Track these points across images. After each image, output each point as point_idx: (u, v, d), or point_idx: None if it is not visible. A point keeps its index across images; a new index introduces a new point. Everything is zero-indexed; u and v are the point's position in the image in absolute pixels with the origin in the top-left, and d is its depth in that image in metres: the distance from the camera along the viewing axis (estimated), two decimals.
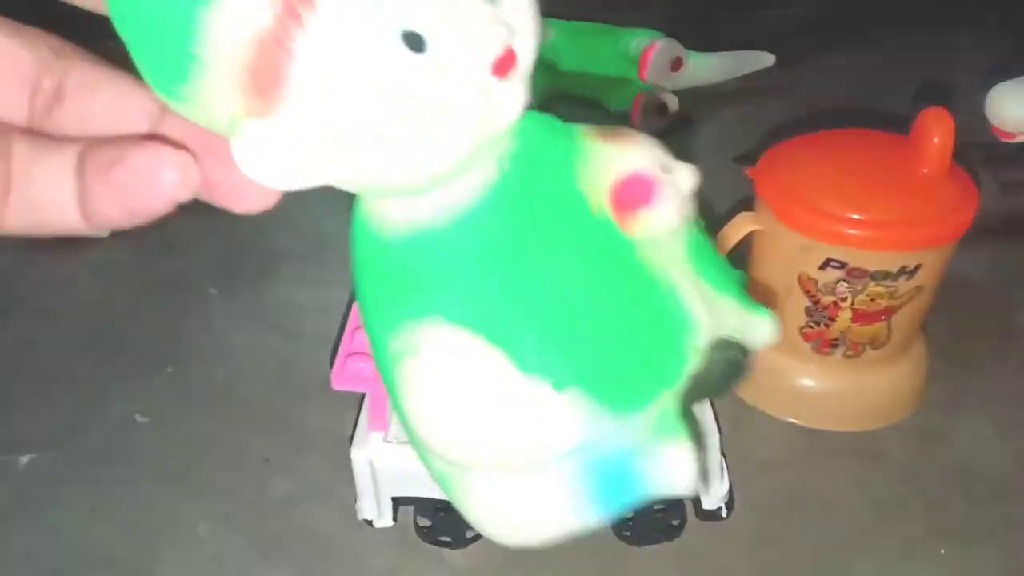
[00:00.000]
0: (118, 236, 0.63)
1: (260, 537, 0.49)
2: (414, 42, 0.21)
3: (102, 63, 0.23)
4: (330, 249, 0.72)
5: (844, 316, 0.51)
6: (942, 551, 0.48)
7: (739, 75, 0.93)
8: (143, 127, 0.23)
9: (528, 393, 0.26)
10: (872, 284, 0.49)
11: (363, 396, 0.47)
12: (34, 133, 0.22)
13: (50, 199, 0.21)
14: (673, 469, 0.29)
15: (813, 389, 0.55)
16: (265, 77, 0.20)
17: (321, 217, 0.77)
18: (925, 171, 0.49)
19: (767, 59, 0.94)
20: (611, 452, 0.29)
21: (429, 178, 0.23)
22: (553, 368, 0.26)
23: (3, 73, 0.22)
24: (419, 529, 0.48)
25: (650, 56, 0.85)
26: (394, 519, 0.47)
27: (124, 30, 0.20)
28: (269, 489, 0.52)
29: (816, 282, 0.50)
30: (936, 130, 0.48)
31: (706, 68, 0.91)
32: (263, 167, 0.21)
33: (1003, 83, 0.48)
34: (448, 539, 0.48)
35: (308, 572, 0.47)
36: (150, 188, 0.20)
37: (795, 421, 0.55)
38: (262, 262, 0.72)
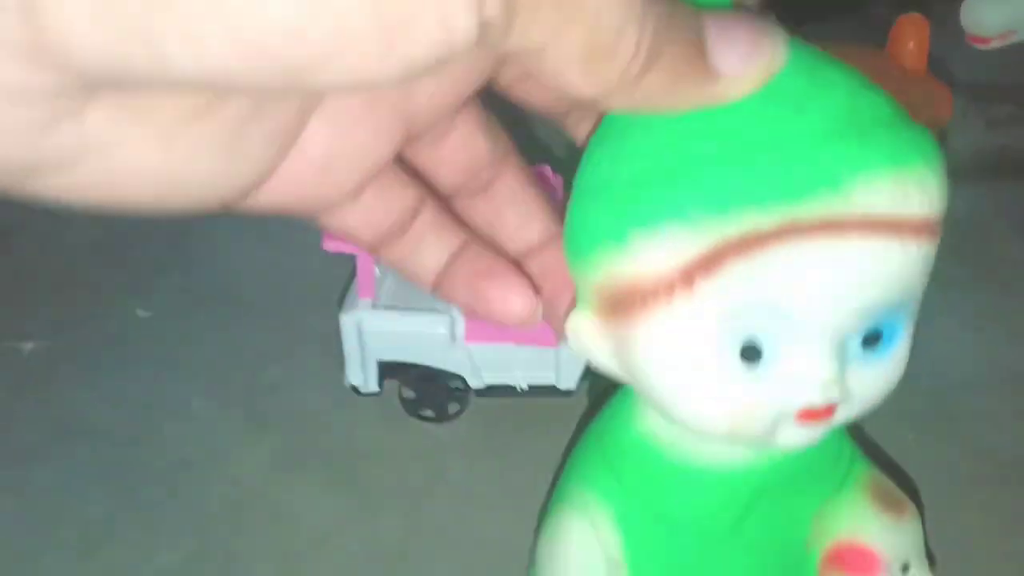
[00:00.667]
0: None
1: (250, 413, 0.51)
2: (750, 354, 0.23)
3: (527, 173, 0.26)
4: None
5: None
6: (910, 436, 0.49)
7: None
8: (521, 248, 0.26)
9: None
10: None
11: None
12: (445, 204, 0.25)
13: (421, 264, 0.25)
14: None
15: None
16: (620, 308, 0.24)
17: None
18: (901, 75, 0.51)
19: None
20: None
21: (716, 437, 0.26)
22: None
23: (463, 149, 0.24)
24: (404, 402, 0.49)
25: None
26: (379, 387, 0.49)
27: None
28: (262, 374, 0.54)
29: None
30: (912, 35, 0.50)
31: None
32: (576, 344, 0.26)
33: None
34: (431, 414, 0.49)
35: (295, 443, 0.49)
36: (496, 307, 0.24)
37: None
38: None
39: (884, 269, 0.23)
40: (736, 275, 0.22)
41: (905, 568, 0.29)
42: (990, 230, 0.68)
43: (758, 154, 0.22)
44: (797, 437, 0.25)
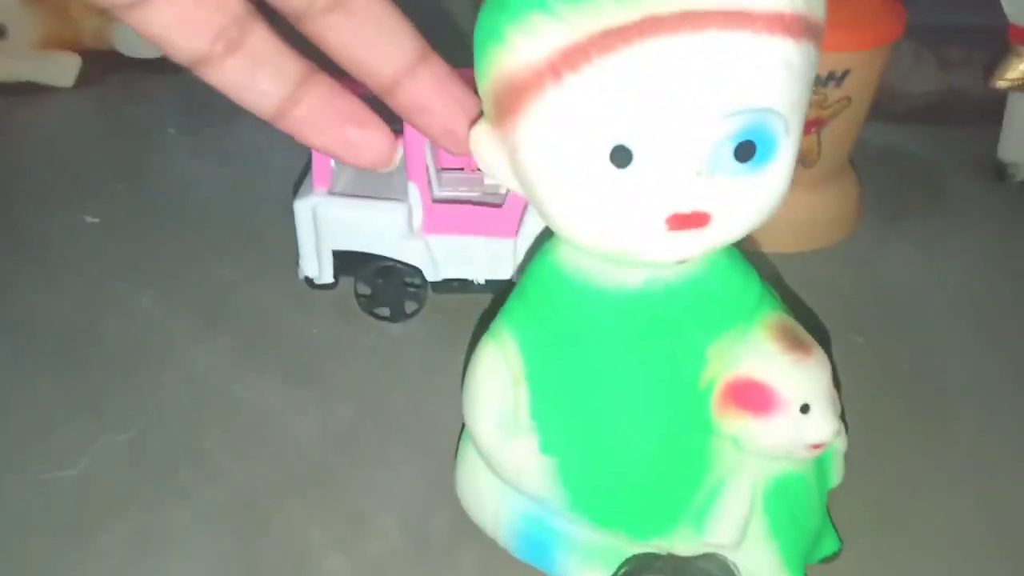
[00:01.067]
0: (82, 87, 0.64)
1: (203, 310, 0.50)
2: (620, 157, 0.24)
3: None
4: None
5: None
6: (859, 339, 0.50)
7: None
8: (390, 71, 0.26)
9: (523, 439, 0.31)
10: None
11: None
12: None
13: (258, 89, 0.24)
14: None
15: None
16: (504, 107, 0.25)
17: None
18: None
19: None
20: (553, 525, 0.34)
21: (591, 247, 0.27)
22: (557, 440, 0.31)
23: None
24: (359, 298, 0.49)
25: None
26: (334, 279, 0.49)
27: None
28: (215, 274, 0.53)
29: None
30: None
31: None
32: (478, 156, 0.27)
33: None
34: (386, 311, 0.49)
35: (249, 340, 0.48)
36: (359, 152, 0.25)
37: None
38: (221, 110, 0.73)
39: (743, 64, 0.24)
40: (602, 70, 0.23)
41: (804, 409, 0.30)
42: (942, 167, 0.69)
43: None
44: (672, 247, 0.26)
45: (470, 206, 0.46)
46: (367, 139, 0.25)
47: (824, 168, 0.56)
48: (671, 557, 0.33)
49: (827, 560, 0.36)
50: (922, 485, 0.41)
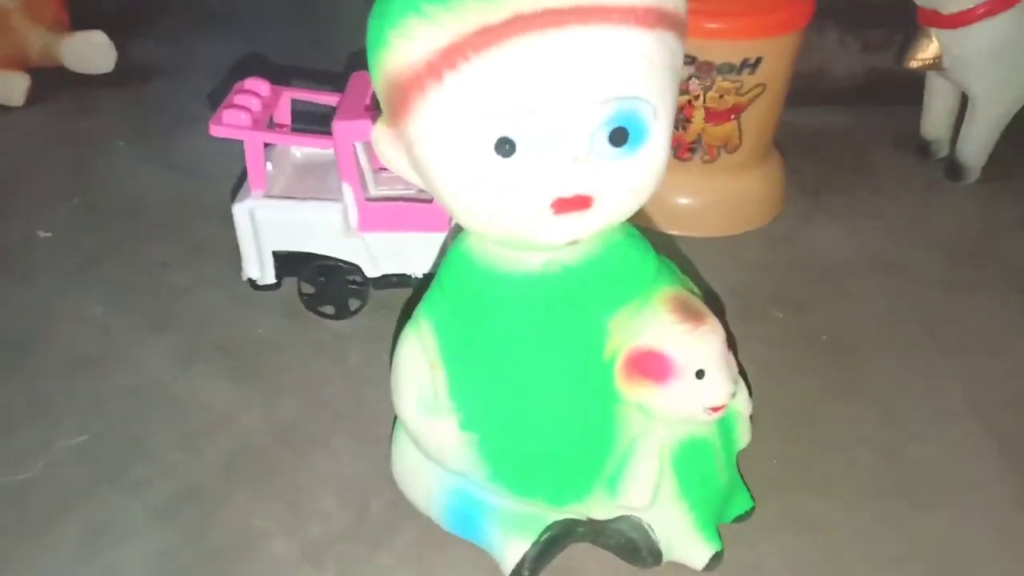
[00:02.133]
0: (32, 104, 0.65)
1: (151, 315, 0.52)
2: (503, 147, 0.27)
3: None
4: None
5: (698, 116, 0.56)
6: (779, 315, 0.53)
7: None
8: None
9: (444, 419, 0.34)
10: (719, 79, 0.54)
11: None
12: None
13: None
14: (499, 555, 0.36)
15: (674, 196, 0.59)
16: (395, 106, 0.28)
17: (226, 88, 0.80)
18: None
19: None
20: (479, 498, 0.36)
21: (487, 233, 0.30)
22: (474, 417, 0.33)
23: None
24: (303, 297, 0.51)
25: None
26: (277, 280, 0.50)
27: None
28: (162, 281, 0.55)
29: None
30: None
31: None
32: (380, 154, 0.30)
33: None
34: (331, 310, 0.51)
35: (196, 340, 0.50)
36: None
37: (655, 228, 0.59)
38: (169, 124, 0.75)
39: (605, 55, 0.26)
40: (479, 68, 0.26)
41: (700, 375, 0.32)
42: (867, 146, 0.72)
43: None
44: (559, 229, 0.29)
45: (402, 203, 0.48)
46: None
47: (747, 152, 0.58)
48: (589, 521, 0.36)
49: (740, 519, 0.39)
50: (833, 444, 0.44)
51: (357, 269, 0.50)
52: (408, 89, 0.27)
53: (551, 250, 0.31)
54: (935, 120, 0.68)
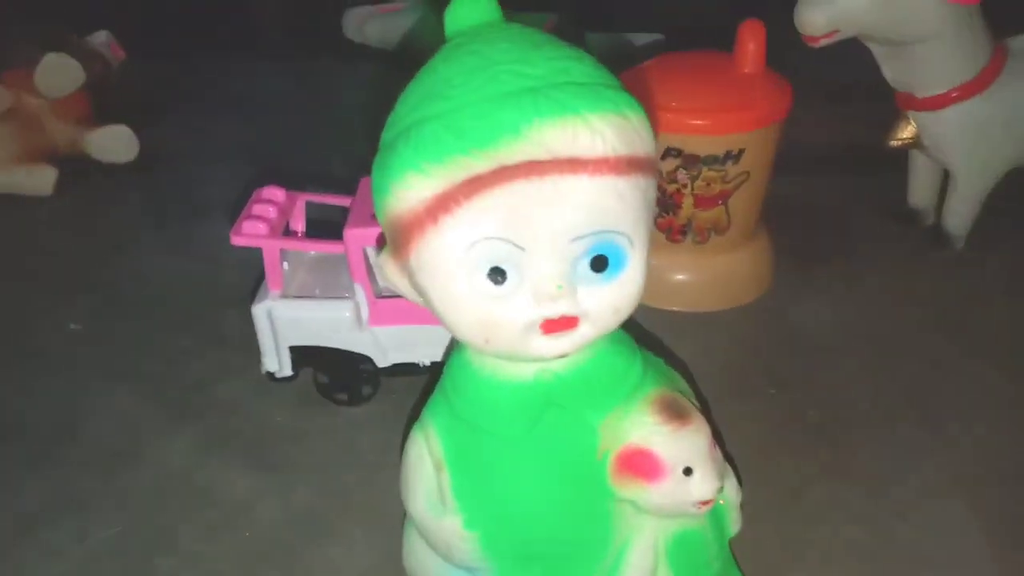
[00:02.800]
0: (60, 193, 0.69)
1: (172, 405, 0.55)
2: (495, 276, 0.31)
3: None
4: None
5: (687, 202, 0.59)
6: (772, 392, 0.55)
7: (633, 53, 1.03)
8: None
9: (449, 518, 0.36)
10: (705, 169, 0.57)
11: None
12: None
13: None
14: None
15: (668, 275, 0.62)
16: (398, 242, 0.31)
17: (243, 174, 0.84)
18: (745, 71, 0.58)
19: (656, 38, 1.04)
20: None
21: (484, 350, 0.33)
22: (477, 516, 0.36)
23: None
24: (319, 386, 0.54)
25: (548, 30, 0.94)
26: (294, 372, 0.54)
27: None
28: (184, 371, 0.58)
29: (661, 173, 0.58)
30: (751, 38, 0.57)
31: (600, 46, 1.01)
32: (385, 278, 0.34)
33: None
34: (344, 397, 0.54)
35: (216, 432, 0.53)
36: None
37: (651, 305, 0.62)
38: (189, 211, 0.79)
39: (581, 199, 0.29)
40: (470, 212, 0.29)
41: (688, 472, 0.35)
42: (850, 215, 0.75)
43: (467, 112, 0.29)
44: (548, 346, 0.32)
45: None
46: None
47: (735, 233, 0.61)
48: None
49: None
50: (823, 523, 0.46)
51: (369, 360, 0.53)
52: (409, 229, 0.30)
53: (542, 361, 0.34)
54: (920, 191, 0.71)
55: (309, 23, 1.21)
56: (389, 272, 0.33)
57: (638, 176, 0.31)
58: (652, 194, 0.32)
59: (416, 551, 0.41)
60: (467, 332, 0.32)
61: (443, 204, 0.29)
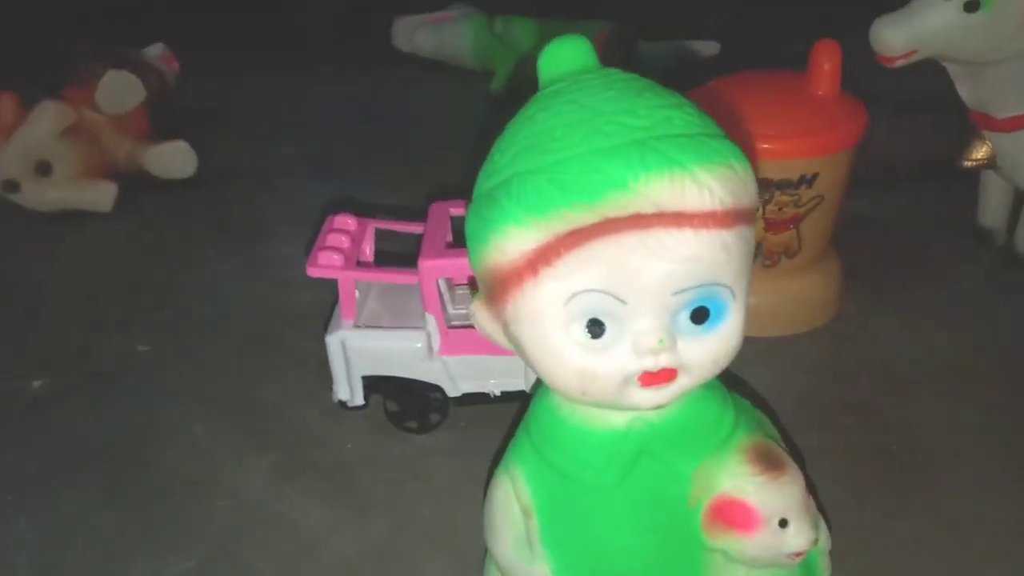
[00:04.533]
0: (120, 209, 0.70)
1: (248, 432, 0.56)
2: (594, 328, 0.30)
3: None
4: (313, 213, 0.79)
5: (758, 226, 0.58)
6: (846, 422, 0.54)
7: (687, 61, 1.02)
8: None
9: (538, 565, 0.36)
10: (778, 194, 0.56)
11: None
12: None
13: None
14: None
15: None
16: (495, 292, 0.31)
17: (304, 189, 0.85)
18: (820, 94, 0.57)
19: (712, 47, 1.03)
20: None
21: (580, 401, 0.33)
22: (568, 565, 0.36)
23: None
24: (389, 414, 0.54)
25: (602, 41, 0.94)
26: (365, 401, 0.54)
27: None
28: (257, 397, 0.59)
29: None
30: (826, 58, 0.56)
31: (655, 54, 1.00)
32: (478, 325, 0.34)
33: (884, 15, 0.56)
34: (414, 425, 0.54)
35: (291, 461, 0.53)
36: None
37: None
38: (252, 227, 0.79)
39: (685, 253, 0.29)
40: (571, 264, 0.29)
41: (783, 523, 0.34)
42: (925, 231, 0.74)
43: (571, 165, 0.29)
44: (646, 398, 0.31)
45: None
46: None
47: (806, 256, 0.60)
48: None
49: None
50: (909, 559, 0.45)
51: (439, 388, 0.53)
52: (507, 281, 0.30)
53: (636, 410, 0.33)
54: (991, 211, 0.69)
55: (359, 34, 1.21)
56: (482, 320, 0.33)
57: (743, 227, 0.30)
58: (754, 244, 0.32)
59: None
60: (564, 383, 0.32)
61: (544, 257, 0.29)
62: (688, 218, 0.29)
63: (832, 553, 0.41)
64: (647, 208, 0.28)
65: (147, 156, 0.86)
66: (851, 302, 0.65)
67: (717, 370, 0.32)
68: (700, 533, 0.35)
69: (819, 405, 0.56)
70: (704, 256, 0.29)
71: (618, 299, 0.29)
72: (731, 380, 0.41)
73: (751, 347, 0.61)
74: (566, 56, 0.33)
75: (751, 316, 0.61)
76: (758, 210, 0.32)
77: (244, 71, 1.10)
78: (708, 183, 0.29)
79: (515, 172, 0.30)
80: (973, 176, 0.69)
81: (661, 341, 0.30)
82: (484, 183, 0.32)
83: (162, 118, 0.90)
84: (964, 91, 0.61)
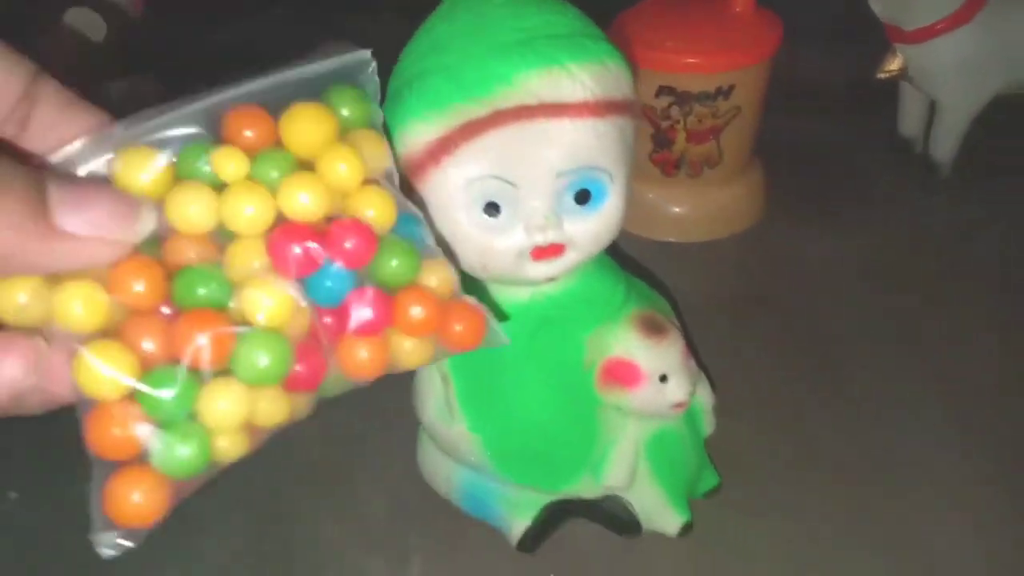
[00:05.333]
0: None
1: None
2: (490, 210, 0.35)
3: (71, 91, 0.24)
4: None
5: (680, 137, 0.63)
6: (760, 315, 0.60)
7: None
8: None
9: (456, 423, 0.42)
10: (697, 105, 0.61)
11: None
12: None
13: None
14: (507, 531, 0.44)
15: (664, 207, 0.66)
16: (410, 180, 0.35)
17: None
18: (736, 11, 0.60)
19: None
20: (489, 485, 0.44)
21: (483, 277, 0.37)
22: (479, 421, 0.41)
23: None
24: None
25: None
26: None
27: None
28: None
29: (655, 109, 0.62)
30: None
31: None
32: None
33: None
34: None
35: None
36: None
37: (649, 236, 0.66)
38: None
39: (565, 139, 0.33)
40: (468, 153, 0.33)
41: (663, 379, 0.39)
42: (845, 149, 0.77)
43: (464, 66, 0.33)
44: (539, 270, 0.36)
45: None
46: None
47: (727, 167, 0.65)
48: (580, 501, 0.43)
49: (709, 493, 0.46)
50: (798, 424, 0.51)
51: None
52: (416, 169, 0.35)
53: (535, 284, 0.38)
54: (909, 121, 0.73)
55: None
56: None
57: (616, 117, 0.35)
58: (631, 133, 0.36)
59: (428, 455, 0.46)
60: (468, 260, 0.36)
61: (444, 147, 0.34)
62: (565, 108, 0.33)
63: (727, 417, 0.47)
64: (530, 100, 0.33)
65: (114, 90, 0.89)
66: (774, 210, 0.69)
67: (600, 245, 0.37)
68: (594, 390, 0.40)
69: (731, 298, 0.61)
70: (581, 142, 0.34)
71: (509, 183, 0.34)
72: (644, 276, 0.46)
73: (675, 249, 0.67)
74: None
75: (677, 223, 0.67)
76: (636, 104, 0.36)
77: (212, 14, 1.12)
78: (581, 77, 0.33)
79: (417, 72, 0.34)
80: (896, 93, 0.73)
81: (547, 218, 0.35)
82: (392, 84, 0.36)
83: (128, 58, 0.93)
84: (876, 5, 0.65)
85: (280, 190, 0.25)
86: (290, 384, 0.25)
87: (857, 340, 0.57)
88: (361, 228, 0.26)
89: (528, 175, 0.34)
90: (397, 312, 0.27)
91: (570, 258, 0.36)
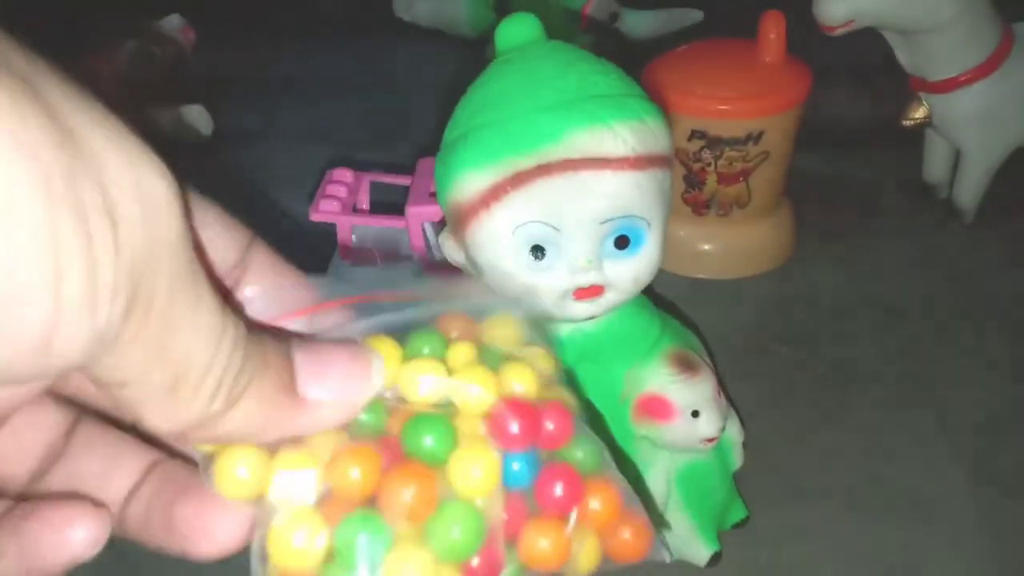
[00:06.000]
0: None
1: None
2: (536, 253, 0.38)
3: (108, 422, 0.22)
4: (315, 172, 0.86)
5: (711, 179, 0.65)
6: (783, 350, 0.62)
7: (672, 30, 1.08)
8: (123, 490, 0.21)
9: None
10: (728, 149, 0.63)
11: None
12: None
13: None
14: None
15: (694, 245, 0.69)
16: (458, 225, 0.39)
17: (306, 150, 0.92)
18: (767, 60, 0.63)
19: (695, 15, 1.08)
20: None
21: (535, 312, 0.40)
22: None
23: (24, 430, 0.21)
24: None
25: (588, 10, 1.00)
26: None
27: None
28: None
29: (687, 152, 0.64)
30: (772, 28, 0.62)
31: (640, 23, 1.06)
32: (446, 253, 0.41)
33: None
34: None
35: None
36: (54, 544, 0.19)
37: (680, 273, 0.69)
38: (262, 184, 0.87)
39: (607, 190, 0.36)
40: (516, 200, 0.36)
41: (695, 414, 0.42)
42: (872, 189, 0.80)
43: (514, 122, 0.36)
44: (580, 309, 0.39)
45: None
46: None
47: (756, 206, 0.67)
48: None
49: (737, 525, 0.48)
50: (822, 460, 0.53)
51: None
52: (466, 215, 0.38)
53: (575, 321, 0.41)
54: (934, 167, 0.76)
55: (362, 4, 1.27)
56: (449, 248, 0.41)
57: (655, 170, 0.37)
58: (668, 184, 0.39)
59: None
60: (513, 297, 0.39)
61: (495, 194, 0.37)
62: (608, 162, 0.36)
63: (753, 453, 0.49)
64: (574, 154, 0.36)
65: (165, 119, 0.93)
66: (801, 249, 0.72)
67: (638, 287, 0.40)
68: (629, 423, 0.43)
69: (757, 335, 0.63)
70: (621, 193, 0.37)
71: (554, 228, 0.37)
72: (675, 313, 0.49)
73: (706, 286, 0.69)
74: (516, 32, 0.40)
75: (706, 260, 0.69)
76: (672, 157, 0.39)
77: (254, 41, 1.17)
78: (623, 134, 0.36)
79: (471, 127, 0.38)
80: (923, 136, 0.75)
81: (589, 261, 0.37)
82: (448, 136, 0.39)
83: (178, 86, 0.97)
84: (902, 57, 0.68)
85: (502, 374, 0.24)
86: (468, 573, 0.22)
87: (871, 377, 0.59)
88: (562, 411, 0.25)
89: (572, 221, 0.37)
90: (581, 503, 0.24)
91: (609, 298, 0.39)
